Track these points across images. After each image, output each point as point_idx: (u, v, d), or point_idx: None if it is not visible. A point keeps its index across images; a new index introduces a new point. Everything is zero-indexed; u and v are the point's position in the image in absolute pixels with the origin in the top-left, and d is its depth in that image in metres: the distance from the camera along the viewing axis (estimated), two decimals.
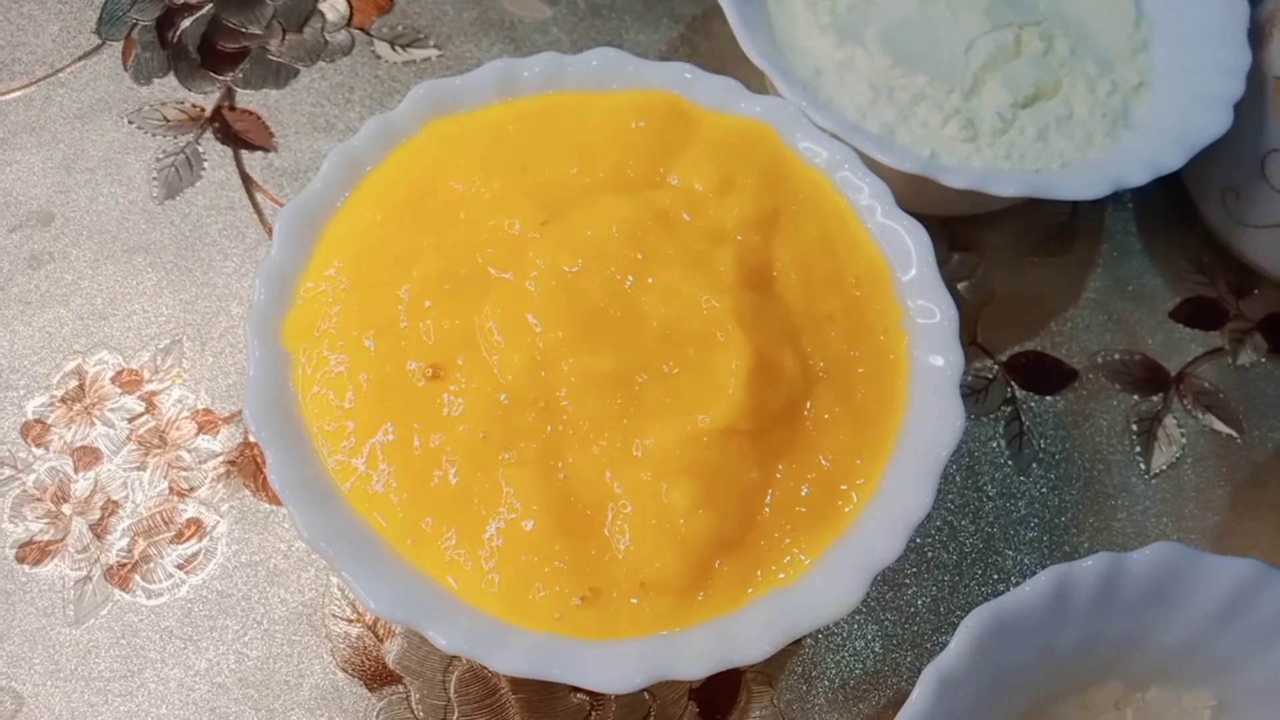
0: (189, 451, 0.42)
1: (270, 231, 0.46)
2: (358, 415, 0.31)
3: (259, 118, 0.49)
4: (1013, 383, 0.46)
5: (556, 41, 0.53)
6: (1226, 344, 0.48)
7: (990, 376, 0.46)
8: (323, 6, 0.52)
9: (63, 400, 0.42)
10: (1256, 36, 0.45)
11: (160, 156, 0.48)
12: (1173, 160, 0.40)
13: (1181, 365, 0.47)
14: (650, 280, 0.33)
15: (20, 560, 0.39)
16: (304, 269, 0.33)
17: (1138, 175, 0.40)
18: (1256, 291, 0.49)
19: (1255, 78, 0.44)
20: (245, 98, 0.50)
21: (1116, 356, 0.47)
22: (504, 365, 0.31)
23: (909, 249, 0.36)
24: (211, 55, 0.50)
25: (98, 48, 0.51)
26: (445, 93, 0.37)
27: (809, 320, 0.34)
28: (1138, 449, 0.45)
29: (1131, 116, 0.45)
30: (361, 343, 0.32)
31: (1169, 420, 0.46)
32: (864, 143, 0.39)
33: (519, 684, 0.38)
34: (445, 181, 0.35)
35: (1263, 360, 0.48)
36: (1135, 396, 0.46)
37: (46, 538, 0.40)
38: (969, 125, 0.42)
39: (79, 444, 0.41)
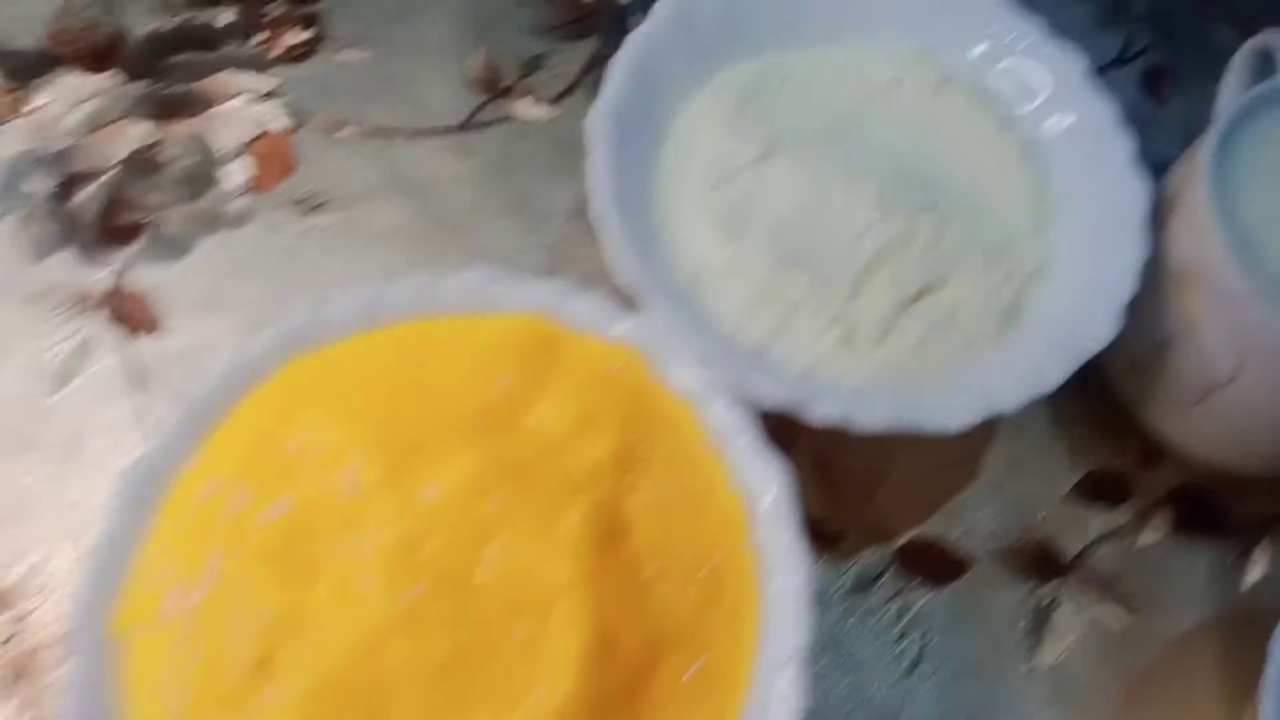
0: None
1: (150, 430, 0.45)
2: (184, 715, 0.31)
3: (147, 299, 0.48)
4: (901, 574, 0.45)
5: (468, 200, 0.52)
6: (1129, 520, 0.48)
7: (877, 573, 0.45)
8: (221, 173, 0.52)
9: None
10: (1158, 214, 0.45)
11: (49, 345, 0.47)
12: (1052, 378, 0.40)
13: (1080, 547, 0.47)
14: (493, 546, 0.33)
15: None
16: (138, 545, 0.33)
17: (1012, 399, 0.39)
18: (1161, 466, 0.49)
19: (1155, 258, 0.43)
20: (137, 276, 0.49)
21: (1009, 543, 0.46)
22: (328, 649, 0.31)
23: (770, 487, 0.36)
24: (107, 231, 0.50)
25: None
26: (305, 330, 0.37)
27: (659, 573, 0.34)
28: (1027, 643, 0.44)
29: (1024, 308, 0.44)
30: (189, 631, 0.31)
31: (1062, 609, 0.45)
32: (736, 364, 0.39)
33: None
34: (293, 432, 0.35)
35: (1165, 538, 0.47)
36: (1029, 584, 0.46)
37: None
38: (848, 333, 0.42)
39: None
